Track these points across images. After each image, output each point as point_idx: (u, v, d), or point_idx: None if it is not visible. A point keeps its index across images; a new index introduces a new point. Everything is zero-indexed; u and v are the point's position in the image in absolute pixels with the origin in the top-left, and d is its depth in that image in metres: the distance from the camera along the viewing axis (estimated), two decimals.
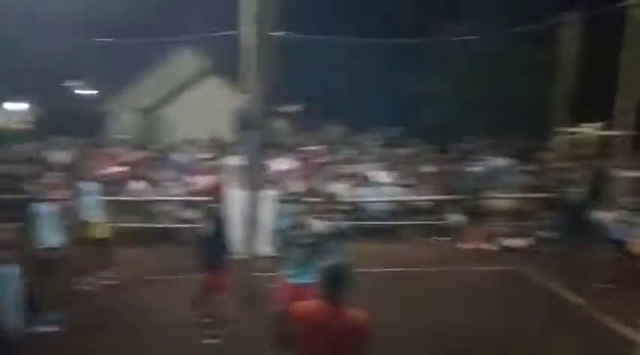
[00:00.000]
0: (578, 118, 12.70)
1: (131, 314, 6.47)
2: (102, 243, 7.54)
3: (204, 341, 5.52)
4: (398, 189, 10.63)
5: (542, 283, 7.84)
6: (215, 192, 5.85)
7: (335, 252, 5.65)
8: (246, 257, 3.77)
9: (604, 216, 8.40)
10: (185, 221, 9.69)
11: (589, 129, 12.60)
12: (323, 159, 11.72)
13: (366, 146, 13.44)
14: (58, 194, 6.80)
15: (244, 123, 7.88)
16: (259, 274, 4.09)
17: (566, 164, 10.65)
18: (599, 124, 13.57)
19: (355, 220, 10.04)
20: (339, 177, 10.79)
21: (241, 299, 3.66)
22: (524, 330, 6.08)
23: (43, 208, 6.46)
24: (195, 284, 5.68)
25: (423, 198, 10.52)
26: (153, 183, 10.13)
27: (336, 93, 20.98)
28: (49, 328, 5.64)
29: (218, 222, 5.67)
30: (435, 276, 8.17)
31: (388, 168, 11.26)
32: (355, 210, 10.13)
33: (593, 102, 14.22)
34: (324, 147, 12.95)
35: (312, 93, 20.59)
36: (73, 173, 8.40)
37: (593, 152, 14.02)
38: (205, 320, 5.61)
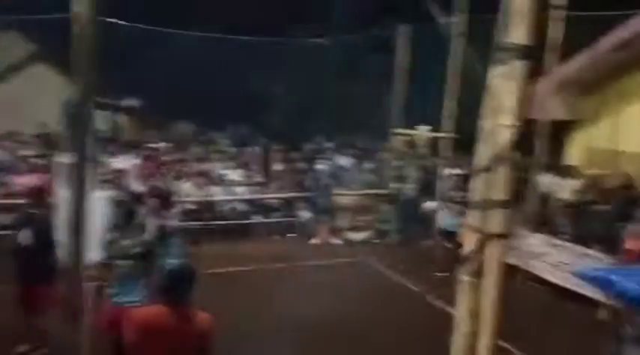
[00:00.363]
0: (413, 121, 13.97)
1: None
2: None
3: None
4: (248, 188, 10.59)
5: (382, 272, 8.48)
6: (38, 194, 5.09)
7: (175, 254, 5.42)
8: (72, 266, 3.37)
9: (434, 209, 9.36)
10: (3, 227, 8.43)
11: (421, 131, 13.92)
12: (169, 157, 11.14)
13: (215, 144, 13.14)
14: None
15: (73, 116, 7.14)
16: (88, 284, 3.70)
17: (401, 162, 11.63)
18: (429, 127, 15.07)
19: (204, 220, 9.77)
20: (187, 176, 10.37)
21: (65, 314, 3.27)
22: (369, 317, 6.47)
23: None
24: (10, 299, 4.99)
25: (273, 196, 10.63)
26: None
27: (184, 89, 20.18)
28: None
29: (40, 228, 4.94)
30: (285, 272, 8.28)
31: (238, 167, 11.15)
32: (204, 210, 9.83)
33: (425, 106, 15.83)
34: (171, 144, 12.35)
35: (159, 89, 19.52)
36: None
37: (425, 152, 15.60)
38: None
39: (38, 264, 4.86)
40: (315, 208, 10.12)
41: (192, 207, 9.85)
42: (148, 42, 10.81)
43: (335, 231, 10.39)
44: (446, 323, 5.51)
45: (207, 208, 9.86)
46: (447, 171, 10.26)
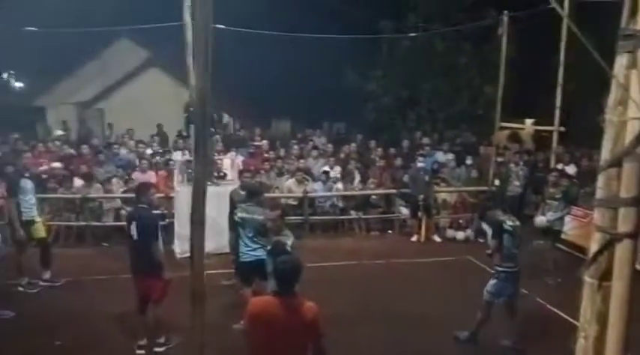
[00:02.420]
0: (513, 114, 13.28)
1: (69, 316, 6.19)
2: (40, 242, 7.19)
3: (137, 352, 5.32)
4: (346, 184, 10.73)
5: (487, 272, 8.13)
6: (144, 190, 5.49)
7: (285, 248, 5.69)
8: (194, 256, 3.66)
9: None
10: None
11: (527, 125, 13.21)
12: (272, 154, 11.63)
13: (313, 141, 13.45)
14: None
15: (192, 116, 7.72)
16: (209, 272, 4.00)
17: (505, 158, 11.11)
18: (532, 120, 14.25)
19: (305, 215, 10.09)
20: (288, 172, 10.76)
21: (190, 298, 3.57)
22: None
23: None
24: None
25: (371, 192, 10.68)
26: (94, 179, 9.70)
27: (281, 88, 20.87)
28: None
29: (146, 222, 5.20)
30: (386, 269, 8.34)
31: (336, 163, 11.34)
32: (305, 205, 10.14)
33: (531, 98, 14.96)
34: (273, 142, 12.86)
35: (257, 89, 20.39)
36: (10, 170, 7.94)
37: (530, 146, 14.76)
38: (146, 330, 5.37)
39: (145, 256, 5.11)
40: (415, 205, 9.99)
41: (293, 202, 10.21)
42: (245, 43, 11.28)
43: (435, 229, 10.20)
44: (560, 327, 5.24)
45: (307, 204, 10.15)
46: (559, 166, 9.63)
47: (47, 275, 7.19)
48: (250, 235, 5.64)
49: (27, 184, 7.08)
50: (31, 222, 7.06)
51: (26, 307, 6.37)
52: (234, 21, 8.60)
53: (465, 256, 8.77)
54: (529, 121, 14.12)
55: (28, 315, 6.05)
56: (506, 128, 11.63)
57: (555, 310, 6.48)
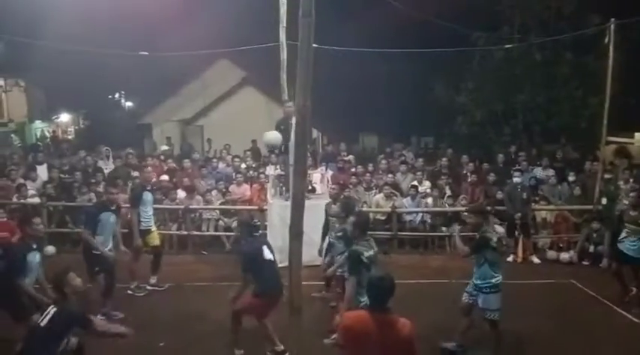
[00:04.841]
0: (621, 128, 12.32)
1: (176, 319, 6.61)
2: (155, 250, 7.76)
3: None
4: (436, 200, 10.49)
5: (592, 296, 7.57)
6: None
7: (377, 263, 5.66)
8: (293, 267, 3.80)
9: None
10: (228, 229, 9.88)
11: (636, 139, 12.18)
12: (360, 169, 11.69)
13: (401, 156, 13.35)
14: (117, 202, 6.98)
15: (287, 132, 8.01)
16: (305, 283, 4.12)
17: (612, 174, 10.29)
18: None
19: (393, 230, 9.99)
20: (376, 187, 10.75)
21: (288, 308, 3.70)
22: (579, 342, 5.94)
23: (106, 216, 6.57)
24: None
25: (463, 208, 10.33)
26: (196, 191, 10.34)
27: (370, 103, 20.98)
28: None
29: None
30: None
31: (425, 178, 11.14)
32: (393, 220, 10.05)
33: (635, 111, 13.79)
34: (361, 157, 12.95)
35: (346, 104, 20.66)
36: (134, 182, 8.58)
37: None
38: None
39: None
40: (512, 223, 9.53)
41: (382, 217, 10.17)
42: (333, 60, 11.50)
43: (534, 249, 9.65)
44: None
45: (396, 219, 10.05)
46: None
47: (154, 280, 7.73)
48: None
49: (148, 196, 7.70)
50: (148, 231, 7.65)
51: (134, 309, 6.84)
52: (321, 38, 8.84)
53: (568, 279, 8.21)
54: (639, 135, 13.03)
55: (135, 316, 6.46)
56: (613, 142, 10.79)
57: None
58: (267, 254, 5.44)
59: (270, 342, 5.48)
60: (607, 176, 10.11)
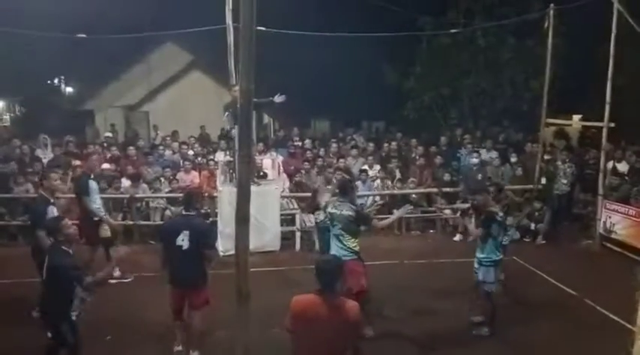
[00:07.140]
0: (560, 110, 12.85)
1: (123, 311, 6.44)
2: (106, 241, 7.44)
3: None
4: (388, 183, 10.65)
5: (532, 272, 7.98)
6: (200, 196, 5.48)
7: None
8: (239, 254, 3.74)
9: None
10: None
11: (574, 121, 12.75)
12: (311, 154, 11.67)
13: (353, 140, 13.41)
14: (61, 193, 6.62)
15: (234, 117, 7.84)
16: (255, 270, 4.07)
17: (552, 155, 10.76)
18: (579, 116, 13.79)
19: None
20: (329, 172, 10.76)
21: (236, 295, 3.64)
22: (523, 318, 6.23)
23: (50, 208, 6.01)
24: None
25: (412, 191, 10.55)
26: (142, 179, 10.01)
27: (320, 88, 20.89)
28: None
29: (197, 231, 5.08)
30: (429, 268, 8.30)
31: (377, 162, 11.26)
32: None
33: (574, 94, 14.43)
34: (314, 141, 12.91)
35: (297, 88, 20.48)
36: (75, 171, 8.17)
37: (578, 143, 14.24)
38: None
39: (195, 266, 5.08)
40: (458, 204, 9.79)
41: None
42: (282, 44, 11.33)
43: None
44: (613, 331, 5.06)
45: None
46: (609, 164, 9.25)
47: (117, 272, 7.45)
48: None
49: (93, 185, 7.35)
50: (100, 222, 7.31)
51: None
52: (271, 22, 8.67)
53: (510, 256, 8.54)
54: (577, 117, 13.63)
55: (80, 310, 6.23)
56: (552, 124, 11.24)
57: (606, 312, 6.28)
58: (181, 240, 4.99)
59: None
60: (547, 157, 10.56)
